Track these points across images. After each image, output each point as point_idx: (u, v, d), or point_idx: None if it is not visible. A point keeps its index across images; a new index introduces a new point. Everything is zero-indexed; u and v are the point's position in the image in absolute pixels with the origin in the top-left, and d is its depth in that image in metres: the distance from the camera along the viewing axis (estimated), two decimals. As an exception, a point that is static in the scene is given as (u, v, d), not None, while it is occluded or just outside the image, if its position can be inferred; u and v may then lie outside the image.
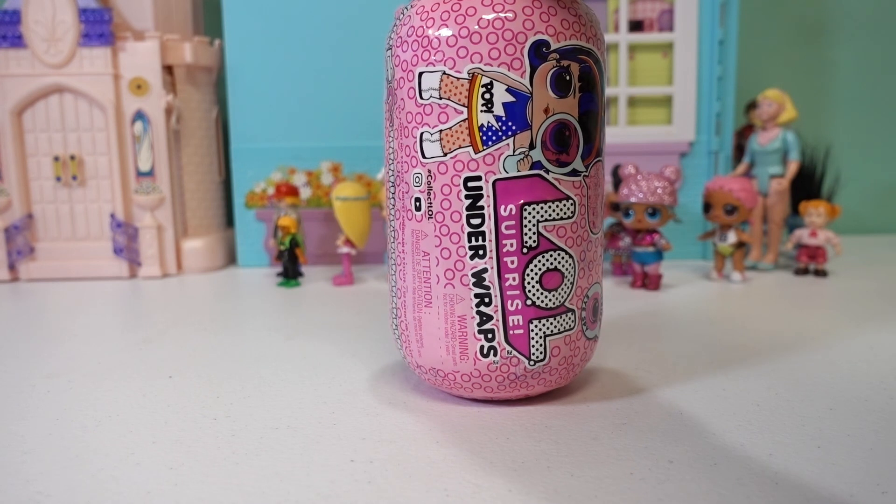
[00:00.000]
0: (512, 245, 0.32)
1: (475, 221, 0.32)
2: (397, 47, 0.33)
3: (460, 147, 0.32)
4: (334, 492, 0.27)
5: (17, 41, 0.69)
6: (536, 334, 0.33)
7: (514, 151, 0.31)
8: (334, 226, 0.76)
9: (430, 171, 0.33)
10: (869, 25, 0.94)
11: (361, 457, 0.30)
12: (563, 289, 0.33)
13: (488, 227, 0.32)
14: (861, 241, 0.87)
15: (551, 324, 0.33)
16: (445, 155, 0.32)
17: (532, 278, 0.32)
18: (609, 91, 0.74)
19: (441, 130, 0.32)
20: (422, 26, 0.32)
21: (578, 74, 0.32)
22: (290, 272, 0.68)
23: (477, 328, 0.33)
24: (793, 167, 0.70)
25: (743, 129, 0.79)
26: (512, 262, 0.32)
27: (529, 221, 0.32)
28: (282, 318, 0.55)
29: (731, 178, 0.65)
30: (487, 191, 0.32)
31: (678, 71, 0.74)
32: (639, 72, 0.75)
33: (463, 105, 0.31)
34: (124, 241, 0.72)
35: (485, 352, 0.33)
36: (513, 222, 0.32)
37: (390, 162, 0.35)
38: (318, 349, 0.46)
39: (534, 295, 0.33)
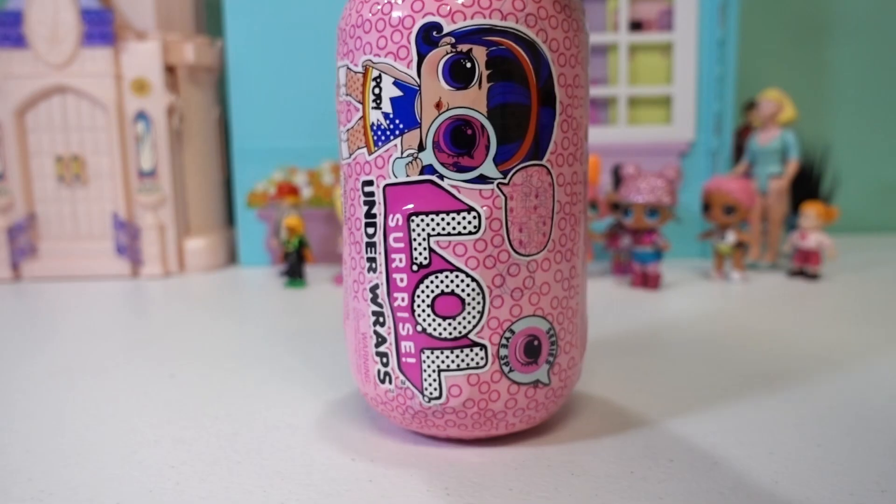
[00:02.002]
0: (401, 261, 0.28)
1: (370, 231, 0.29)
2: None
3: (359, 148, 0.29)
4: (336, 490, 0.27)
5: (20, 42, 0.69)
6: (429, 367, 0.28)
7: (402, 153, 0.27)
8: (335, 225, 0.77)
9: (345, 175, 0.30)
10: (868, 25, 0.94)
11: (363, 455, 0.30)
12: (465, 318, 0.28)
13: (379, 238, 0.28)
14: (860, 240, 0.87)
15: (447, 357, 0.28)
16: (350, 156, 0.29)
17: (423, 301, 0.28)
18: (609, 91, 0.75)
19: (348, 130, 0.29)
20: (342, 17, 0.30)
21: (487, 61, 0.26)
22: (298, 272, 0.68)
23: (374, 350, 0.30)
24: (792, 167, 0.70)
25: (742, 129, 0.80)
26: (401, 281, 0.28)
27: (419, 235, 0.27)
28: (283, 318, 0.55)
29: (729, 179, 0.65)
30: (379, 197, 0.28)
31: (678, 71, 0.74)
32: (639, 72, 0.75)
33: (359, 102, 0.28)
34: (126, 240, 0.72)
35: (381, 377, 0.30)
36: (401, 234, 0.28)
37: None
38: (320, 348, 0.46)
39: (424, 321, 0.28)
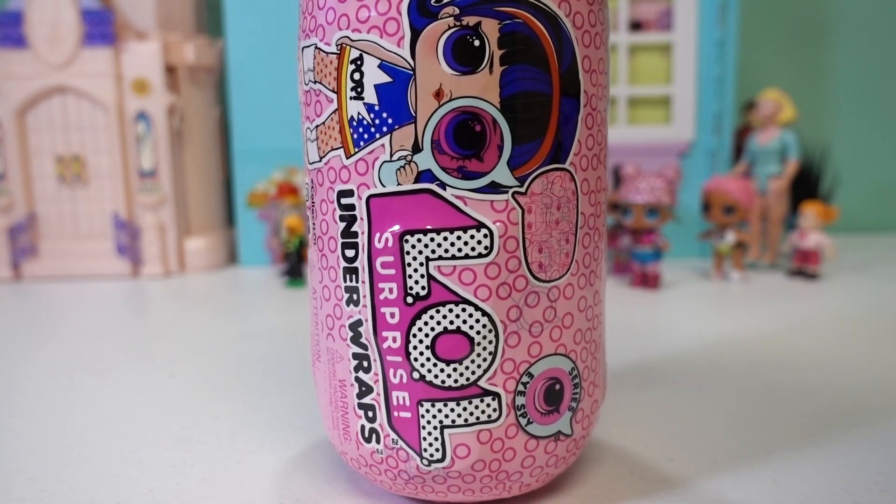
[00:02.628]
0: (392, 291, 0.22)
1: (349, 253, 0.23)
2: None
3: (332, 149, 0.23)
4: (335, 490, 0.27)
5: (20, 42, 0.69)
6: (429, 423, 0.23)
7: (391, 156, 0.22)
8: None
9: (312, 182, 0.24)
10: (868, 26, 0.94)
11: (362, 455, 0.30)
12: (473, 361, 0.22)
13: (361, 262, 0.23)
14: (859, 240, 0.87)
15: (452, 411, 0.23)
16: (321, 160, 0.23)
17: (420, 342, 0.22)
18: (609, 91, 0.74)
19: (318, 126, 0.23)
20: None
21: (500, 38, 0.21)
22: (298, 272, 0.68)
23: (357, 401, 0.24)
24: (791, 167, 0.70)
25: (742, 129, 0.80)
26: (392, 316, 0.22)
27: (415, 259, 0.22)
28: (284, 317, 0.55)
29: (728, 179, 0.65)
30: (361, 211, 0.22)
31: (678, 71, 0.74)
32: (638, 72, 0.75)
33: (333, 91, 0.22)
34: (127, 240, 0.73)
35: (366, 434, 0.24)
36: (391, 258, 0.22)
37: None
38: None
39: (423, 366, 0.22)
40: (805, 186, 0.79)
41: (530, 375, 0.23)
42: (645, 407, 0.35)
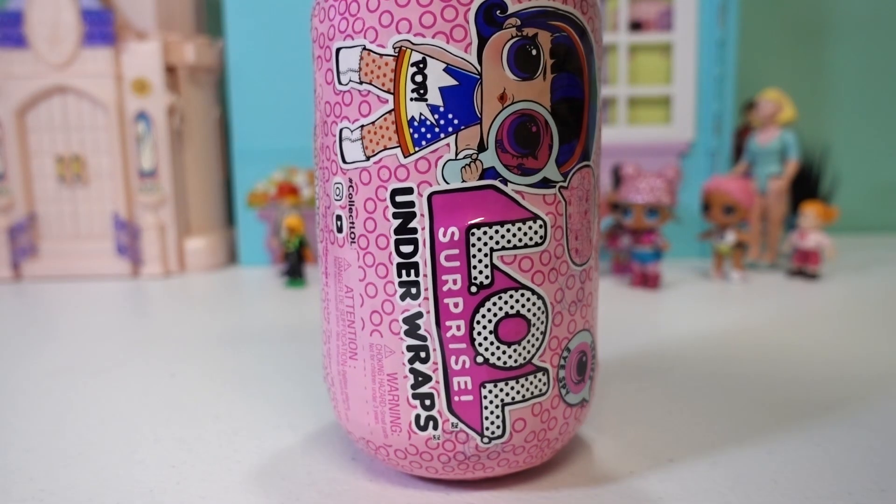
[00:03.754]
0: (455, 282, 0.24)
1: (406, 249, 0.24)
2: (315, 16, 0.26)
3: (385, 148, 0.24)
4: (335, 490, 0.27)
5: (20, 42, 0.69)
6: (491, 402, 0.25)
7: (456, 154, 0.23)
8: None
9: (351, 181, 0.25)
10: (868, 25, 0.94)
11: (363, 455, 0.30)
12: (529, 341, 0.25)
13: (423, 257, 0.24)
14: (859, 240, 0.87)
15: (512, 388, 0.25)
16: (368, 159, 0.24)
17: (484, 327, 0.24)
18: (609, 91, 0.75)
19: (363, 126, 0.24)
20: None
21: (551, 48, 0.24)
22: (298, 272, 0.68)
23: (411, 392, 0.25)
24: (791, 167, 0.70)
25: (742, 129, 0.80)
26: (456, 306, 0.24)
27: (479, 250, 0.24)
28: (284, 317, 0.55)
29: (728, 179, 0.65)
30: (421, 208, 0.24)
31: (678, 71, 0.74)
32: (638, 72, 0.75)
33: (388, 91, 0.23)
34: (127, 240, 0.73)
35: (422, 423, 0.25)
36: (456, 251, 0.24)
37: (315, 168, 0.28)
38: (319, 348, 0.46)
39: (487, 350, 0.24)
40: (805, 186, 0.79)
41: (568, 350, 0.26)
42: (645, 407, 0.35)
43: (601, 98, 0.27)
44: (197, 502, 0.26)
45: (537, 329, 0.25)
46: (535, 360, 0.25)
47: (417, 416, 0.25)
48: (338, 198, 0.25)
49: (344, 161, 0.25)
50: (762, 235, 0.73)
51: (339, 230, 0.26)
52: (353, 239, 0.25)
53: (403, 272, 0.24)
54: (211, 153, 0.80)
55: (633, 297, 0.60)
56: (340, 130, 0.25)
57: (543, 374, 0.25)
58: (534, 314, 0.25)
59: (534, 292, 0.25)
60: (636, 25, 0.74)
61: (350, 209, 0.25)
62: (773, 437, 0.31)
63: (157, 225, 0.73)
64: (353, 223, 0.25)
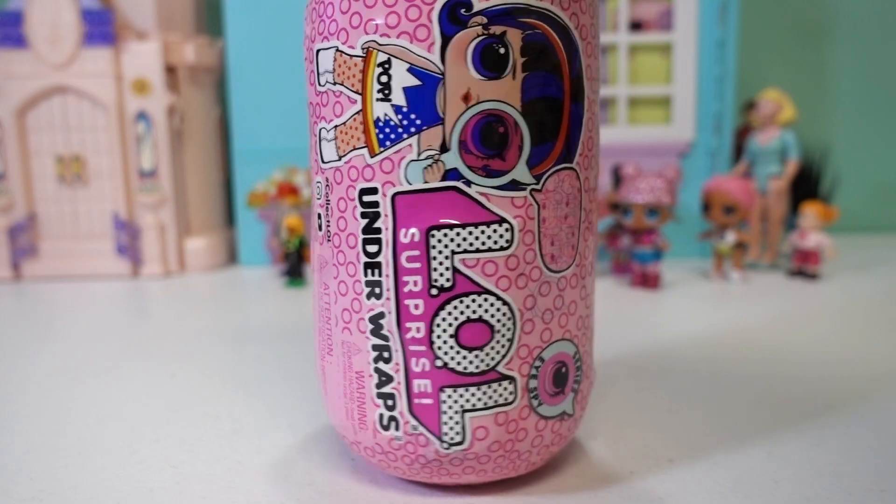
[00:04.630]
0: (416, 284, 0.24)
1: (371, 249, 0.24)
2: (305, 18, 0.26)
3: (354, 149, 0.24)
4: (335, 490, 0.27)
5: (20, 42, 0.69)
6: (450, 408, 0.24)
7: (419, 155, 0.23)
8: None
9: (327, 180, 0.25)
10: (868, 25, 0.94)
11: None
12: (493, 348, 0.24)
13: (386, 257, 0.24)
14: (860, 240, 0.87)
15: (473, 395, 0.24)
16: (340, 159, 0.24)
17: (444, 331, 0.24)
18: (609, 91, 0.75)
19: (336, 126, 0.24)
20: None
21: (522, 46, 0.23)
22: (298, 272, 0.68)
23: (375, 390, 0.25)
24: (791, 167, 0.70)
25: (742, 129, 0.80)
26: (416, 308, 0.24)
27: (440, 252, 0.23)
28: (284, 317, 0.55)
29: (729, 178, 0.65)
30: (385, 208, 0.24)
31: (678, 71, 0.74)
32: (639, 72, 0.75)
33: (357, 92, 0.24)
34: (127, 240, 0.73)
35: (384, 422, 0.25)
36: (417, 253, 0.23)
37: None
38: (320, 348, 0.46)
39: (447, 354, 0.24)
40: (805, 186, 0.79)
41: (542, 360, 0.25)
42: (645, 407, 0.35)
43: (595, 97, 0.26)
44: (197, 502, 0.26)
45: (503, 336, 0.24)
46: (499, 368, 0.24)
47: (381, 416, 0.25)
48: (318, 196, 0.26)
49: (322, 161, 0.25)
50: (762, 235, 0.73)
51: (319, 228, 0.26)
52: (329, 237, 0.26)
53: (369, 272, 0.24)
54: (211, 153, 0.80)
55: (633, 297, 0.60)
56: (319, 131, 0.25)
57: (510, 383, 0.25)
58: (498, 320, 0.24)
59: (498, 297, 0.24)
60: (636, 25, 0.74)
61: (327, 208, 0.25)
62: (773, 437, 0.31)
63: (157, 225, 0.73)
64: (329, 222, 0.25)
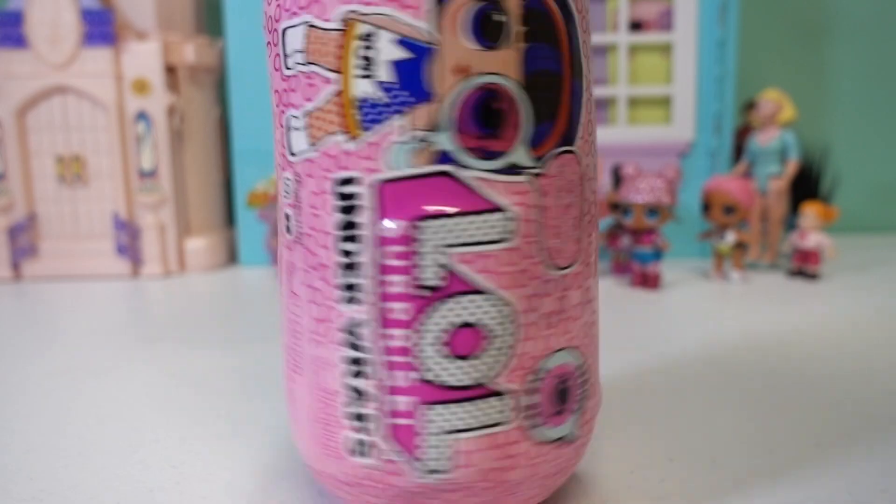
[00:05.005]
0: (402, 284, 0.21)
1: (348, 247, 0.21)
2: (265, 2, 0.23)
3: (330, 133, 0.21)
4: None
5: (20, 42, 0.69)
6: (434, 429, 0.21)
7: (405, 137, 0.21)
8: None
9: (297, 175, 0.22)
10: (868, 26, 0.94)
11: (362, 455, 0.30)
12: (489, 356, 0.21)
13: (366, 256, 0.21)
14: (860, 240, 0.87)
15: (461, 413, 0.21)
16: (313, 147, 0.22)
17: (434, 337, 0.21)
18: (609, 91, 0.75)
19: (308, 112, 0.22)
20: None
21: (522, 14, 0.21)
22: None
23: (344, 410, 0.22)
24: (791, 167, 0.70)
25: (742, 129, 0.80)
26: (401, 312, 0.21)
27: (431, 246, 0.21)
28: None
29: (729, 178, 0.65)
30: (367, 199, 0.21)
31: (678, 71, 0.74)
32: (639, 72, 0.75)
33: (334, 70, 0.21)
34: (127, 240, 0.73)
35: (355, 448, 0.22)
36: (402, 248, 0.21)
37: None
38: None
39: (437, 363, 0.21)
40: (805, 186, 0.79)
41: (540, 372, 0.22)
42: (645, 407, 0.35)
43: (591, 78, 0.24)
44: (197, 502, 0.26)
45: (501, 342, 0.21)
46: (495, 382, 0.21)
47: (349, 440, 0.22)
48: (286, 195, 0.23)
49: (291, 153, 0.23)
50: (762, 235, 0.73)
51: (288, 230, 0.23)
52: (300, 239, 0.23)
53: (345, 274, 0.21)
54: (211, 153, 0.80)
55: (633, 298, 0.60)
56: (287, 120, 0.22)
57: (500, 401, 0.21)
58: (499, 323, 0.21)
59: (498, 298, 0.21)
60: (636, 25, 0.74)
61: (297, 206, 0.22)
62: (773, 436, 0.31)
63: (157, 225, 0.73)
64: (299, 222, 0.22)
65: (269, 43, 0.23)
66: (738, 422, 0.33)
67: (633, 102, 0.76)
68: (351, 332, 0.22)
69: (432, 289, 0.21)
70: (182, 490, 0.27)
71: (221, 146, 0.83)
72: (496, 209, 0.21)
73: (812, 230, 0.66)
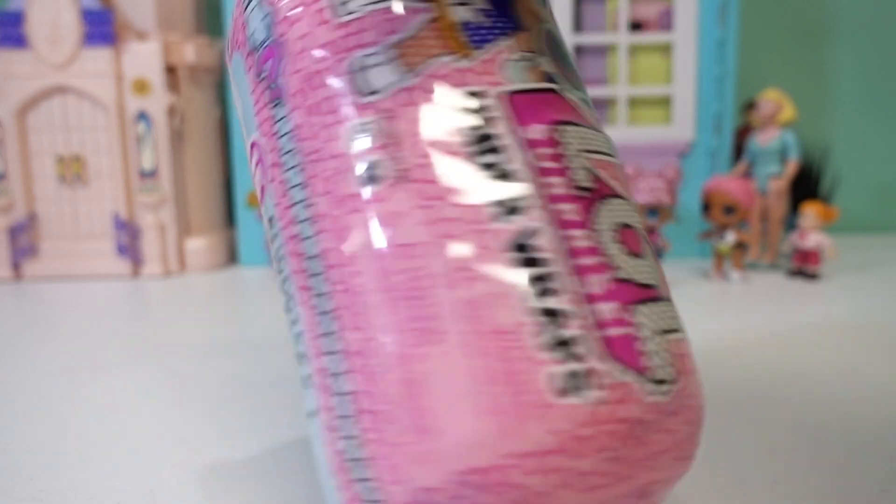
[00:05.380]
0: (560, 186, 0.20)
1: (490, 159, 0.20)
2: None
3: (430, 57, 0.21)
4: (336, 490, 0.27)
5: (21, 42, 0.69)
6: (646, 332, 0.19)
7: (516, 55, 0.22)
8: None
9: (387, 110, 0.21)
10: (868, 26, 0.94)
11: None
12: (648, 258, 0.21)
13: (512, 161, 0.20)
14: (859, 240, 0.87)
15: (658, 314, 0.20)
16: (411, 72, 0.21)
17: (611, 237, 0.20)
18: (609, 91, 0.75)
19: (399, 41, 0.21)
20: None
21: None
22: None
23: (536, 342, 0.18)
24: (791, 167, 0.70)
25: (742, 129, 0.80)
26: (571, 213, 0.19)
27: (574, 150, 0.21)
28: (284, 317, 0.55)
29: (729, 178, 0.65)
30: (497, 109, 0.21)
31: (678, 71, 0.74)
32: (639, 72, 0.75)
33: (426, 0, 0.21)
34: (127, 240, 0.73)
35: (561, 386, 0.17)
36: (551, 150, 0.20)
37: (293, 143, 0.23)
38: (320, 348, 0.46)
39: (623, 262, 0.20)
40: (805, 186, 0.80)
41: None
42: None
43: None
44: (197, 502, 0.26)
45: (649, 247, 0.21)
46: (658, 287, 0.20)
47: (551, 376, 0.17)
48: (365, 143, 0.20)
49: (371, 93, 0.21)
50: (762, 235, 0.73)
51: (373, 180, 0.20)
52: (404, 177, 0.19)
53: (494, 187, 0.19)
54: (211, 153, 0.80)
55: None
56: (358, 60, 0.21)
57: (669, 306, 0.20)
58: (643, 231, 0.21)
59: (633, 206, 0.21)
60: (636, 25, 0.74)
61: (393, 144, 0.20)
62: (773, 436, 0.31)
63: (157, 225, 0.73)
64: (398, 157, 0.20)
65: (303, 4, 0.22)
66: (737, 422, 0.33)
67: (634, 102, 0.76)
68: (522, 247, 0.18)
69: (589, 189, 0.20)
70: (182, 490, 0.27)
71: (221, 146, 0.83)
72: (597, 130, 0.22)
73: (812, 230, 0.66)
